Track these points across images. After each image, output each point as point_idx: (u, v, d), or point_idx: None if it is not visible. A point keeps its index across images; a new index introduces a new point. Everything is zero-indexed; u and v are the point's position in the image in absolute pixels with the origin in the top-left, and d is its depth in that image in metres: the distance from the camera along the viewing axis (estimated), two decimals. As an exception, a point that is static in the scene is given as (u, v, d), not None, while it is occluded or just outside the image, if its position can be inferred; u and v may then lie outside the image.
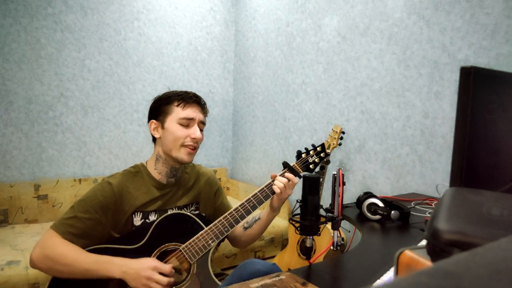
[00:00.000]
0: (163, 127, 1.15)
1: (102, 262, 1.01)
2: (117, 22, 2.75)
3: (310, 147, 1.23)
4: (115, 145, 2.81)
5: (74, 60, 2.61)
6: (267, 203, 1.17)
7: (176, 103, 1.14)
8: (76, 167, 2.67)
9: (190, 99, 1.15)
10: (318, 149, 1.22)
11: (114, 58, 2.76)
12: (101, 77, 2.72)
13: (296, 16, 2.59)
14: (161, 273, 1.00)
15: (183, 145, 1.13)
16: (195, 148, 1.15)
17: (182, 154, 1.13)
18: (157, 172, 1.18)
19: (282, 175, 1.14)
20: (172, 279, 1.01)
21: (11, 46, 2.39)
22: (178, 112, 1.13)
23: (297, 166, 1.18)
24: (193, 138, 1.13)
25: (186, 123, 1.13)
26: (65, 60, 2.58)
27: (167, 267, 1.01)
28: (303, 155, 1.20)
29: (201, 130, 1.18)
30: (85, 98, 2.67)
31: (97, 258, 1.02)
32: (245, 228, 1.27)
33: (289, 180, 1.11)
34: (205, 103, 1.21)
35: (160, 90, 1.30)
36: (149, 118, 1.19)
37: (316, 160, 1.20)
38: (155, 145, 1.20)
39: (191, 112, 1.14)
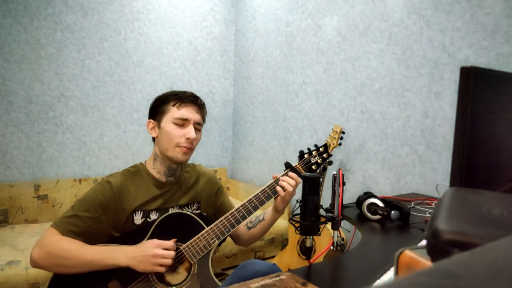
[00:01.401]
0: (159, 127, 1.15)
1: (108, 251, 1.03)
2: (117, 22, 2.75)
3: (310, 147, 1.22)
4: (115, 145, 2.81)
5: (74, 60, 2.61)
6: (268, 204, 1.17)
7: (172, 103, 1.14)
8: (76, 167, 2.67)
9: (187, 99, 1.15)
10: (320, 149, 1.21)
11: (114, 58, 2.76)
12: (101, 77, 2.72)
13: (296, 16, 2.59)
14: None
15: (178, 145, 1.13)
16: (190, 149, 1.15)
17: (177, 154, 1.13)
18: (156, 171, 1.18)
19: (285, 175, 1.14)
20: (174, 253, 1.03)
21: (11, 46, 2.39)
22: (174, 112, 1.13)
23: (299, 167, 1.18)
24: (188, 139, 1.12)
25: (181, 123, 1.13)
26: (65, 60, 2.58)
27: (169, 242, 1.03)
28: (306, 156, 1.20)
29: (198, 131, 1.17)
30: (85, 98, 2.67)
31: (102, 248, 1.04)
32: (249, 228, 1.27)
33: (292, 179, 1.11)
34: (203, 104, 1.20)
35: (160, 90, 1.31)
36: (148, 118, 1.20)
37: (319, 160, 1.19)
38: (154, 145, 1.20)
39: (186, 112, 1.14)
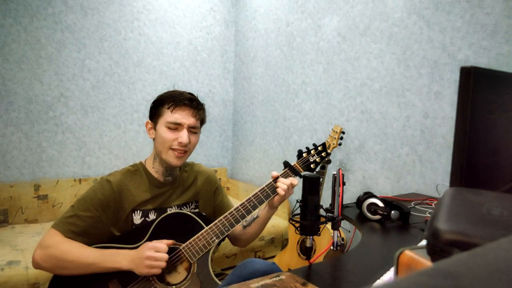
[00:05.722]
0: (155, 129, 1.16)
1: (108, 254, 1.02)
2: (117, 22, 2.75)
3: (310, 147, 1.23)
4: (115, 145, 2.81)
5: (74, 60, 2.61)
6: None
7: (167, 106, 1.12)
8: (76, 167, 2.67)
9: (181, 102, 1.12)
10: (319, 148, 1.22)
11: (114, 58, 2.76)
12: (101, 77, 2.72)
13: (296, 16, 2.59)
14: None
15: (171, 148, 1.12)
16: (184, 152, 1.13)
17: (170, 157, 1.13)
18: (155, 170, 1.18)
19: (284, 175, 1.14)
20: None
21: (11, 46, 2.39)
22: (167, 116, 1.12)
23: (298, 166, 1.18)
24: (180, 143, 1.11)
25: (174, 127, 1.11)
26: (65, 60, 2.57)
27: (161, 244, 1.01)
28: (304, 155, 1.20)
29: (194, 133, 1.16)
30: (85, 98, 2.67)
31: (102, 251, 1.03)
32: (244, 227, 1.27)
33: (291, 183, 1.12)
34: (199, 106, 1.16)
35: (160, 90, 1.30)
36: (149, 118, 1.20)
37: (317, 159, 1.20)
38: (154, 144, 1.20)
39: (179, 117, 1.11)
